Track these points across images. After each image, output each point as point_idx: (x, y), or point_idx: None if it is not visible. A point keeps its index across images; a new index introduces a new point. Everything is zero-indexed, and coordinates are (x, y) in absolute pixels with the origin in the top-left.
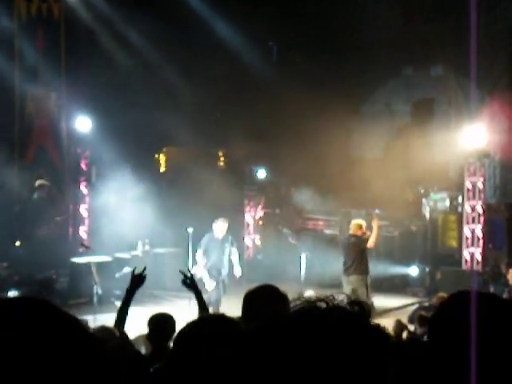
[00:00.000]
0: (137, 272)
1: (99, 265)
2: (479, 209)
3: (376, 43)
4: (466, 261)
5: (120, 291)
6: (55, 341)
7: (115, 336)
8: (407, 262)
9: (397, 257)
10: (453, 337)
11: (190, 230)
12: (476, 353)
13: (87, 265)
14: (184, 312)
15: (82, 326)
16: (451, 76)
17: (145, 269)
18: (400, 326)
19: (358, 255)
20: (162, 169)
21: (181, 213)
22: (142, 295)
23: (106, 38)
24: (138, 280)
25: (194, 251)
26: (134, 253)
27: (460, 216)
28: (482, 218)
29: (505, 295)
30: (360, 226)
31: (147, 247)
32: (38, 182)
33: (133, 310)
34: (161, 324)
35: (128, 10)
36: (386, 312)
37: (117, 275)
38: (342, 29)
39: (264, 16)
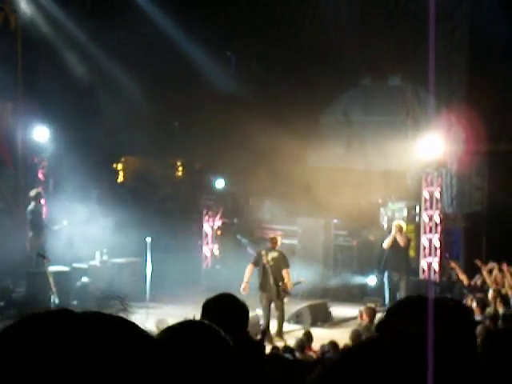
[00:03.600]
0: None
1: (57, 275)
2: (436, 218)
3: (334, 53)
4: (424, 270)
5: (77, 301)
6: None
7: None
8: (365, 272)
9: (355, 266)
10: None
11: (149, 239)
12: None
13: (44, 274)
14: (141, 322)
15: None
16: (409, 86)
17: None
18: (357, 335)
19: None
20: (121, 178)
21: (139, 222)
22: (101, 305)
23: (64, 48)
24: None
25: (152, 261)
26: (91, 263)
27: (417, 226)
28: (439, 228)
29: (468, 301)
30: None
31: (105, 257)
32: (33, 192)
33: None
34: None
35: (86, 20)
36: (344, 321)
37: (75, 285)
38: (301, 39)
39: (222, 26)
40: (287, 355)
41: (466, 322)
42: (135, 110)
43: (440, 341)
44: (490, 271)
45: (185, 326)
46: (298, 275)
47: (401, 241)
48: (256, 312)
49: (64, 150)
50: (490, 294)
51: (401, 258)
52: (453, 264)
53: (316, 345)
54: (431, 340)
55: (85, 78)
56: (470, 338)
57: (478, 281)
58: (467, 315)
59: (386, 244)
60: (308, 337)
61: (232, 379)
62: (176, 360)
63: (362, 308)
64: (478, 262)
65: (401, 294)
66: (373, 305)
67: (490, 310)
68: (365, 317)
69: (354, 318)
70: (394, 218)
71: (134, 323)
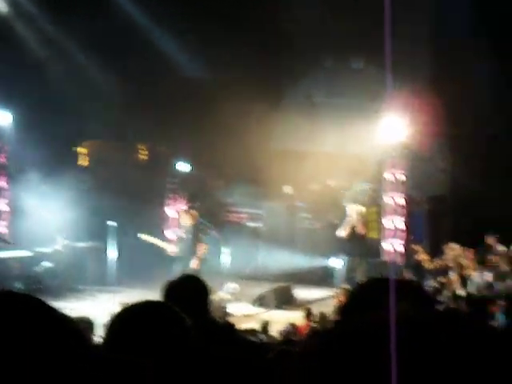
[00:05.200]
0: None
1: (20, 259)
2: (400, 201)
3: (297, 35)
4: (387, 252)
5: (41, 285)
6: (50, 338)
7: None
8: (329, 255)
9: (319, 249)
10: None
11: (112, 223)
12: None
13: (7, 259)
14: (106, 305)
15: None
16: (371, 69)
17: None
18: (324, 317)
19: None
20: (84, 162)
21: (102, 207)
22: (64, 289)
23: (25, 31)
24: None
25: (117, 245)
26: (54, 247)
27: (381, 208)
28: (403, 210)
29: (429, 283)
30: None
31: (67, 241)
32: None
33: (55, 305)
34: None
35: (48, 4)
36: (309, 303)
37: (37, 269)
38: (264, 22)
39: (185, 11)
40: (252, 337)
41: (426, 303)
42: (99, 94)
43: (401, 322)
44: (453, 254)
45: (143, 307)
46: (262, 258)
47: (360, 227)
48: (221, 294)
49: (26, 134)
50: (452, 276)
51: (360, 244)
52: (416, 246)
53: (280, 327)
54: (393, 322)
55: (48, 62)
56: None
57: (440, 263)
58: (428, 296)
59: (345, 232)
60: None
61: (191, 360)
62: (133, 341)
63: (338, 290)
64: (441, 243)
65: (358, 278)
66: (348, 286)
67: (447, 292)
68: (342, 298)
69: (319, 300)
70: (357, 200)
71: (47, 305)
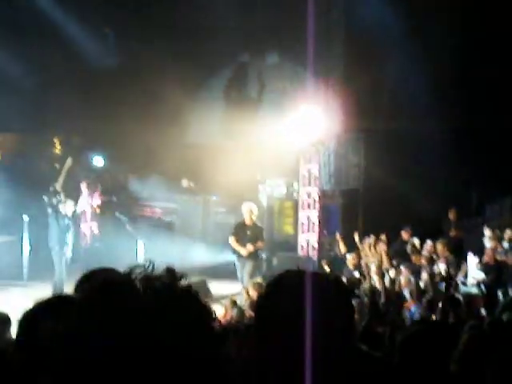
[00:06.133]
0: None
1: None
2: (315, 195)
3: (213, 29)
4: (302, 247)
5: None
6: None
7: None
8: None
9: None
10: (277, 315)
11: (25, 217)
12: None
13: None
14: (19, 300)
15: None
16: (287, 64)
17: None
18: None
19: None
20: None
21: (16, 201)
22: None
23: None
24: None
25: (30, 239)
26: None
27: (296, 202)
28: (317, 205)
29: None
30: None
31: None
32: None
33: None
34: None
35: None
36: (223, 298)
37: None
38: (178, 14)
39: (100, 3)
40: None
41: (343, 296)
42: (11, 87)
43: (318, 315)
44: (369, 247)
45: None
46: (177, 252)
47: (250, 226)
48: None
49: None
50: (372, 269)
51: (248, 241)
52: (338, 237)
53: None
54: (310, 315)
55: None
56: (348, 310)
57: (356, 256)
58: (345, 288)
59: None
60: None
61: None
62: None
63: (249, 283)
64: (356, 236)
65: (243, 279)
66: (259, 280)
67: (365, 285)
68: (252, 292)
69: (234, 295)
70: (272, 194)
71: None
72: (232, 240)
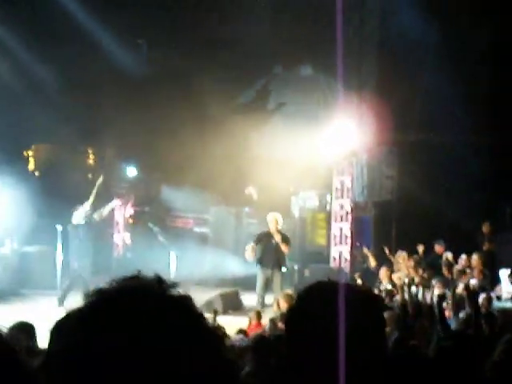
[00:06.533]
0: None
1: None
2: (347, 207)
3: (246, 41)
4: (334, 258)
5: None
6: None
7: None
8: None
9: None
10: (309, 327)
11: (59, 227)
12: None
13: None
14: (51, 310)
15: None
16: (320, 76)
17: None
18: (274, 323)
19: None
20: (31, 166)
21: (51, 211)
22: (10, 293)
23: None
24: None
25: (64, 249)
26: (1, 250)
27: (328, 214)
28: (349, 216)
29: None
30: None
31: (15, 245)
32: None
33: (1, 308)
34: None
35: None
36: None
37: None
38: (213, 26)
39: (133, 14)
40: None
41: (375, 308)
42: (47, 98)
43: (349, 326)
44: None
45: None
46: (209, 263)
47: (276, 235)
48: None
49: None
50: (404, 281)
51: (274, 253)
52: (366, 251)
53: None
54: (341, 326)
55: None
56: (379, 323)
57: (389, 269)
58: (377, 301)
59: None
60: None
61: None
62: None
63: (280, 295)
64: (387, 250)
65: (274, 290)
66: (290, 291)
67: (398, 298)
68: (283, 304)
69: (266, 306)
70: (305, 206)
71: None
72: (249, 246)
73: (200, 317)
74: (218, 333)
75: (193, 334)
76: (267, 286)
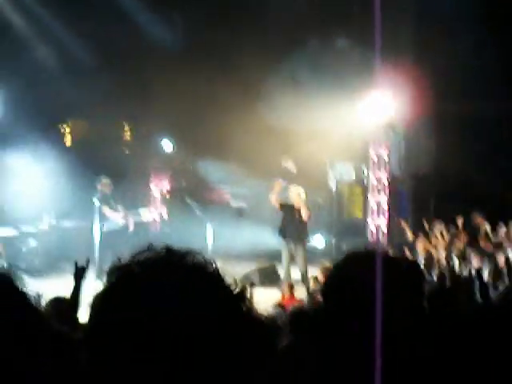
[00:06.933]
0: (80, 265)
1: (4, 238)
2: (384, 180)
3: (280, 15)
4: (371, 232)
5: (25, 264)
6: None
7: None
8: (313, 233)
9: None
10: (346, 294)
11: (97, 203)
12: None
13: None
14: (90, 285)
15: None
16: (356, 47)
17: (88, 261)
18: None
19: None
20: (68, 141)
21: (87, 186)
22: (48, 269)
23: (9, 9)
24: (80, 273)
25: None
26: (39, 226)
27: (365, 187)
28: (387, 190)
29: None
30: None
31: (53, 220)
32: None
33: (38, 283)
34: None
35: None
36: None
37: (23, 249)
38: (247, 1)
39: None
40: None
41: (413, 274)
42: (82, 73)
43: (387, 295)
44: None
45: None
46: (246, 237)
47: (299, 208)
48: None
49: (10, 113)
50: (441, 254)
51: (296, 226)
52: (403, 224)
53: (265, 307)
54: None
55: (29, 40)
56: (420, 294)
57: (427, 241)
58: (415, 267)
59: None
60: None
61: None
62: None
63: (319, 268)
64: (425, 223)
65: (298, 264)
66: (328, 264)
67: (435, 270)
68: (321, 277)
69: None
70: (341, 179)
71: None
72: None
73: (217, 277)
74: (246, 301)
75: (217, 300)
76: (292, 259)
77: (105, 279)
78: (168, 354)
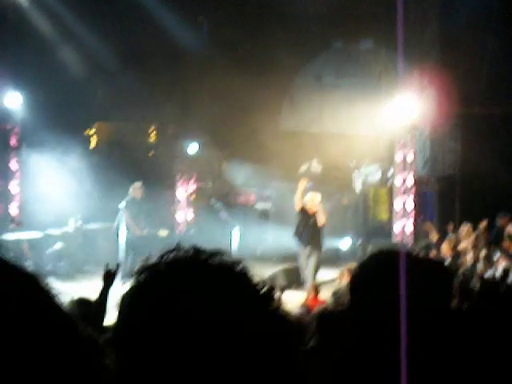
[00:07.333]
0: (109, 268)
1: (30, 241)
2: (410, 181)
3: (306, 16)
4: (397, 233)
5: (51, 267)
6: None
7: (92, 308)
8: (339, 236)
9: (328, 230)
10: (372, 292)
11: (122, 205)
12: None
13: (18, 241)
14: (115, 288)
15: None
16: (381, 49)
17: (118, 265)
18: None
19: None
20: (93, 144)
21: (112, 188)
22: (74, 271)
23: (37, 14)
24: (110, 276)
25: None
26: (65, 229)
27: (391, 188)
28: (412, 191)
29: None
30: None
31: (79, 223)
32: None
33: (65, 286)
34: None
35: None
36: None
37: (48, 251)
38: (273, 1)
39: None
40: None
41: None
42: (108, 75)
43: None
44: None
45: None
46: (272, 239)
47: (320, 217)
48: None
49: (37, 115)
50: (467, 256)
51: (312, 231)
52: (428, 226)
53: (291, 308)
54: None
55: (57, 43)
56: (446, 293)
57: (452, 243)
58: (441, 266)
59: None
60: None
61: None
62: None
63: (344, 269)
64: (450, 226)
65: (308, 268)
66: (353, 266)
67: (461, 271)
68: (346, 277)
69: (329, 282)
70: (367, 181)
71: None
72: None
73: (245, 277)
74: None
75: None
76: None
77: (130, 280)
78: (197, 355)
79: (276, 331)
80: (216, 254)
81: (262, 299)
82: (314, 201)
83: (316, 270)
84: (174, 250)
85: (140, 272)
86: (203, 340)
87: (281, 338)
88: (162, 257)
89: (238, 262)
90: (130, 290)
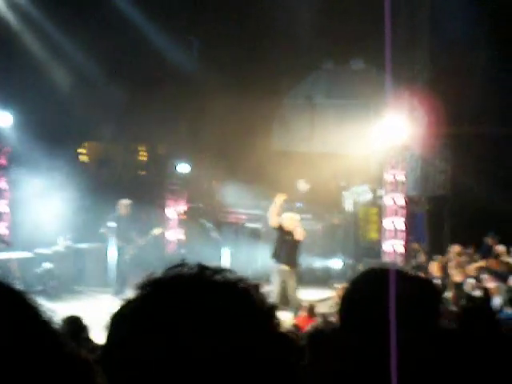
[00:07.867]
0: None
1: (20, 261)
2: (400, 201)
3: (297, 37)
4: (387, 253)
5: (41, 286)
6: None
7: (82, 326)
8: (329, 255)
9: (319, 250)
10: (361, 310)
11: (112, 224)
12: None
13: (7, 260)
14: (106, 307)
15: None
16: (372, 70)
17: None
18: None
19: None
20: (84, 164)
21: (102, 208)
22: (64, 291)
23: (27, 33)
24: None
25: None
26: (55, 248)
27: (381, 209)
28: (403, 211)
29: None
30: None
31: (69, 242)
32: None
33: (55, 305)
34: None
35: (47, 5)
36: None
37: (37, 270)
38: (263, 22)
39: (182, 10)
40: None
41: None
42: (98, 96)
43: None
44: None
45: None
46: (262, 259)
47: (297, 233)
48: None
49: (27, 135)
50: (454, 277)
51: (289, 250)
52: (416, 246)
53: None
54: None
55: (48, 64)
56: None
57: (441, 264)
58: (429, 284)
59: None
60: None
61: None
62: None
63: (339, 288)
64: (443, 245)
65: (288, 288)
66: (346, 285)
67: (449, 292)
68: (337, 297)
69: (319, 301)
70: (357, 201)
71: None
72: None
73: (248, 294)
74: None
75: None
76: (285, 284)
77: (121, 299)
78: (196, 371)
79: (278, 347)
80: (220, 270)
81: (265, 316)
82: (292, 220)
83: (294, 290)
84: (178, 265)
85: (144, 286)
86: (207, 356)
87: (283, 354)
88: (165, 272)
89: (241, 279)
90: (130, 304)
